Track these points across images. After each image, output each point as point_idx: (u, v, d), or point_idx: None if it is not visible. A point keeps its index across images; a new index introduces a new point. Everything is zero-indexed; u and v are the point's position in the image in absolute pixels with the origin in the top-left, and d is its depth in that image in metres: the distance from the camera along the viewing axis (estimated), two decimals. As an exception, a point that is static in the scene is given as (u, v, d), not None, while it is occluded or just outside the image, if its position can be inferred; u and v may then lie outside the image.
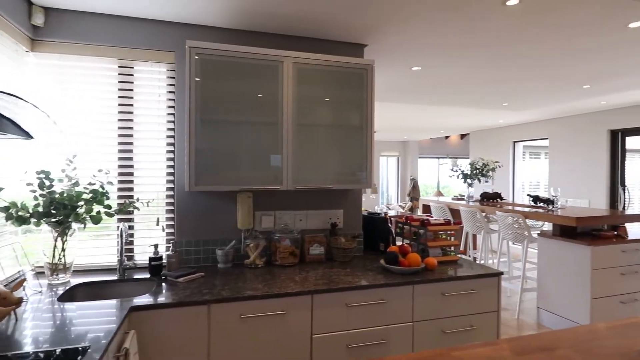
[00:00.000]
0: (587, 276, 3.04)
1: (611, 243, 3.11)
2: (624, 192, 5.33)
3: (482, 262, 4.71)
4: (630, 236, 3.32)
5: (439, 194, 10.13)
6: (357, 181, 2.24)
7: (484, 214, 4.36)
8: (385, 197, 11.74)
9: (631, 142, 5.62)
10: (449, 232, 2.38)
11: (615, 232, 3.29)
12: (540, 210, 3.74)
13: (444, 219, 2.36)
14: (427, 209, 5.44)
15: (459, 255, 2.35)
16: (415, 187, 10.35)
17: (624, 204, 5.34)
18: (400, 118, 6.58)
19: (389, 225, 2.64)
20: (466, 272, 2.06)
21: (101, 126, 2.14)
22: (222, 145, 2.00)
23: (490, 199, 4.71)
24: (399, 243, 2.45)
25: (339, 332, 1.80)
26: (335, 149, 2.20)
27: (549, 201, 3.87)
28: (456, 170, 4.99)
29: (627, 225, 3.54)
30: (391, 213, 9.25)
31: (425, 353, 1.17)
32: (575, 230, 3.35)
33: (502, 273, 2.07)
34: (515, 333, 3.30)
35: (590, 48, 2.77)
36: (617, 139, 5.60)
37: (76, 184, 1.94)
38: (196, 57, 1.94)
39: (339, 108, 2.21)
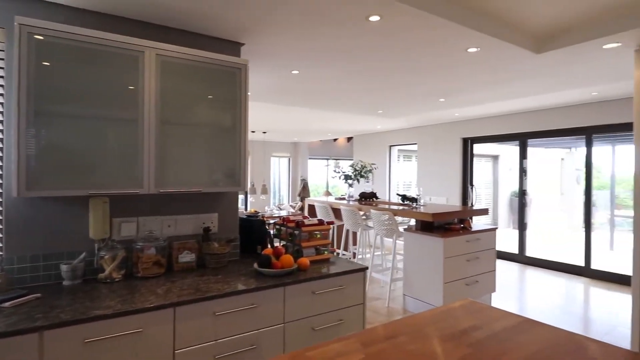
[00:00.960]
0: (440, 264, 3.51)
1: (459, 234, 3.65)
2: (472, 190, 6.34)
3: (361, 257, 5.07)
4: (474, 228, 3.96)
5: (328, 193, 10.62)
6: (230, 183, 2.17)
7: (361, 212, 4.70)
8: (277, 197, 11.83)
9: (477, 148, 6.72)
10: (323, 232, 2.48)
11: (462, 225, 3.88)
12: (407, 207, 4.19)
13: (318, 219, 2.44)
14: (312, 208, 5.63)
15: (338, 253, 2.47)
16: (305, 188, 10.65)
17: (472, 200, 6.35)
18: (289, 120, 6.69)
19: (267, 227, 2.64)
20: (336, 269, 2.16)
21: None
22: (68, 143, 1.72)
23: (367, 198, 5.11)
24: (277, 245, 2.46)
25: (205, 344, 1.71)
26: (205, 149, 2.09)
27: (413, 199, 4.36)
28: (338, 172, 5.28)
29: (475, 217, 4.20)
30: (282, 213, 9.39)
31: (281, 358, 1.17)
32: (432, 225, 3.84)
33: (367, 268, 2.23)
34: (385, 320, 3.63)
35: (439, 66, 3.20)
36: (467, 145, 6.64)
37: None
38: (39, 37, 1.63)
39: (210, 107, 2.11)
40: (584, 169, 5.28)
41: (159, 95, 1.92)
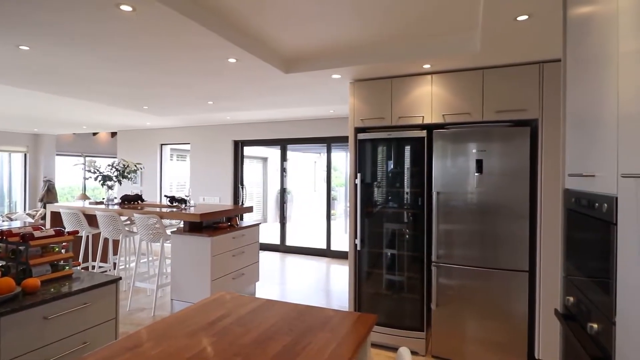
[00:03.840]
0: (208, 262, 3.61)
1: (225, 232, 3.85)
2: (242, 190, 6.79)
3: (123, 266, 4.58)
4: (243, 224, 4.25)
5: (85, 197, 8.95)
6: None
7: (124, 217, 4.24)
8: (6, 204, 9.06)
9: (248, 150, 7.25)
10: (63, 244, 2.10)
11: (229, 223, 4.11)
12: (175, 209, 4.08)
13: (55, 230, 2.06)
14: (57, 216, 4.64)
15: (93, 266, 2.13)
16: (50, 191, 8.64)
17: (242, 199, 6.81)
18: (22, 105, 5.25)
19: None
20: (78, 285, 1.89)
21: None
22: None
23: (131, 201, 4.65)
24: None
25: None
26: None
27: (183, 200, 4.28)
28: (94, 172, 4.57)
29: (247, 215, 4.50)
30: (14, 224, 7.32)
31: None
32: (201, 225, 3.89)
33: (119, 279, 2.05)
34: (151, 330, 3.41)
35: (203, 70, 3.28)
36: (238, 147, 7.05)
37: None
38: None
39: None
40: (327, 171, 6.56)
41: None
